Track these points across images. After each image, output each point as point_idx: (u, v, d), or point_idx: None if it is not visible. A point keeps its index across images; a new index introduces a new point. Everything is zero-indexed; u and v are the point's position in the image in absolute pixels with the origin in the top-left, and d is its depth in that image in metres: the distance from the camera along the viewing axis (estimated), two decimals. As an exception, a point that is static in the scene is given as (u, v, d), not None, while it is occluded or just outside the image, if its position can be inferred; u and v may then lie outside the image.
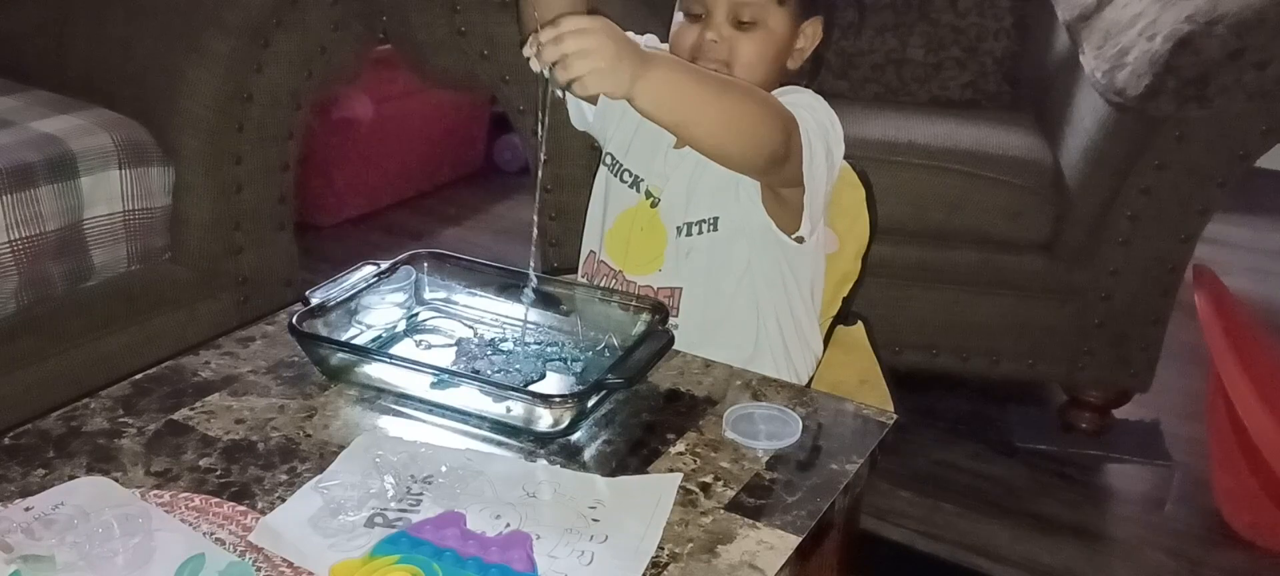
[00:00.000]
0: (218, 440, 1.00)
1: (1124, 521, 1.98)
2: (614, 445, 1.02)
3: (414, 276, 1.24)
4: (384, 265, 1.22)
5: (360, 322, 1.18)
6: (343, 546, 0.86)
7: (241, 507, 0.90)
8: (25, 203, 1.61)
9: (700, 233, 1.30)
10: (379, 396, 1.08)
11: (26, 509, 0.89)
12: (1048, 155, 2.02)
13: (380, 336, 1.19)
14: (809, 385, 1.35)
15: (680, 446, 1.02)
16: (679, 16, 1.31)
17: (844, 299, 1.44)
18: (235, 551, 0.85)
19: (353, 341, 1.15)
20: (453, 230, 3.10)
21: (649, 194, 1.33)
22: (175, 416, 1.04)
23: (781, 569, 0.87)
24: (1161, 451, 2.12)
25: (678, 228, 1.31)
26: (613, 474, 0.98)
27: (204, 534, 0.87)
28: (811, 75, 1.37)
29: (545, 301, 1.19)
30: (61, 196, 1.66)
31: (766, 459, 1.01)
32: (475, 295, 1.24)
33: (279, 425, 1.03)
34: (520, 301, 1.17)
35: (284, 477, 0.95)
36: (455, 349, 1.17)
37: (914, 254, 2.00)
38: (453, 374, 1.09)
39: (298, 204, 2.04)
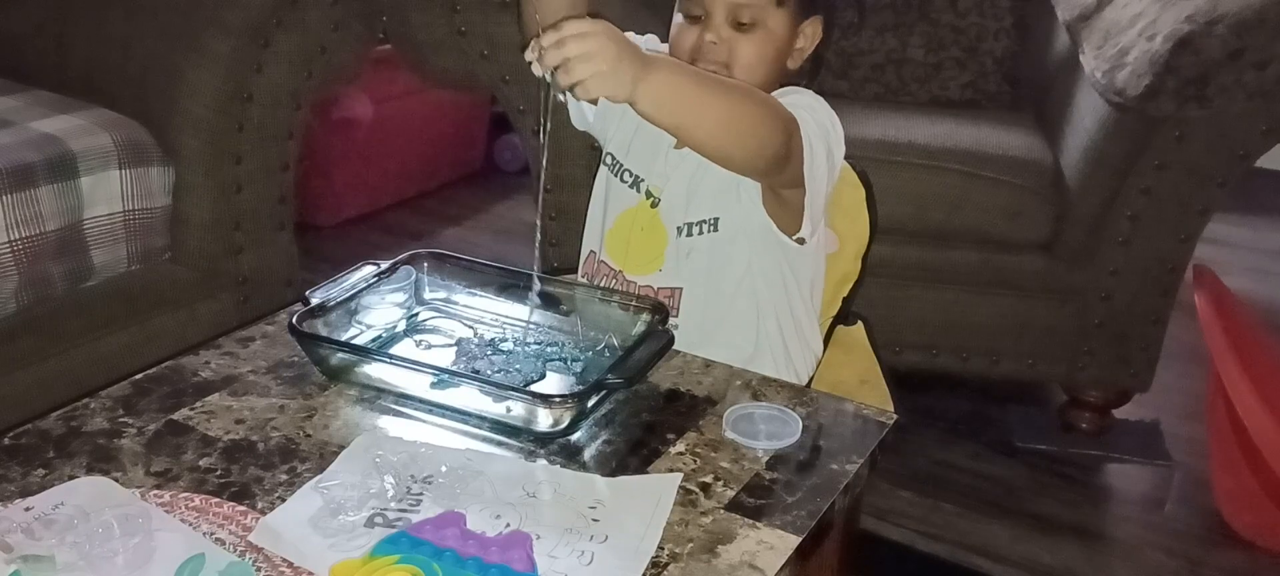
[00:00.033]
0: (218, 440, 1.00)
1: (1124, 521, 1.98)
2: (614, 445, 1.02)
3: (414, 276, 1.24)
4: (384, 265, 1.22)
5: (360, 322, 1.18)
6: (343, 546, 0.86)
7: (241, 507, 0.90)
8: (25, 203, 1.61)
9: (701, 233, 1.30)
10: (379, 396, 1.08)
11: (26, 509, 0.89)
12: (1048, 155, 2.02)
13: (380, 336, 1.19)
14: (809, 385, 1.35)
15: (680, 446, 1.02)
16: (678, 18, 1.31)
17: (844, 299, 1.44)
18: (235, 551, 0.85)
19: (353, 341, 1.15)
20: (453, 230, 3.10)
21: (649, 194, 1.33)
22: (175, 416, 1.04)
23: (781, 569, 0.87)
24: (1161, 451, 2.12)
25: (678, 228, 1.31)
26: (613, 474, 0.98)
27: (204, 534, 0.87)
28: (812, 75, 1.37)
29: (545, 301, 1.19)
30: (61, 196, 1.66)
31: (766, 459, 1.01)
32: (475, 295, 1.24)
33: (279, 425, 1.03)
34: (520, 301, 1.17)
35: (284, 477, 0.95)
36: (455, 349, 1.17)
37: (914, 254, 2.00)
38: (453, 374, 1.09)
39: (298, 204, 2.04)
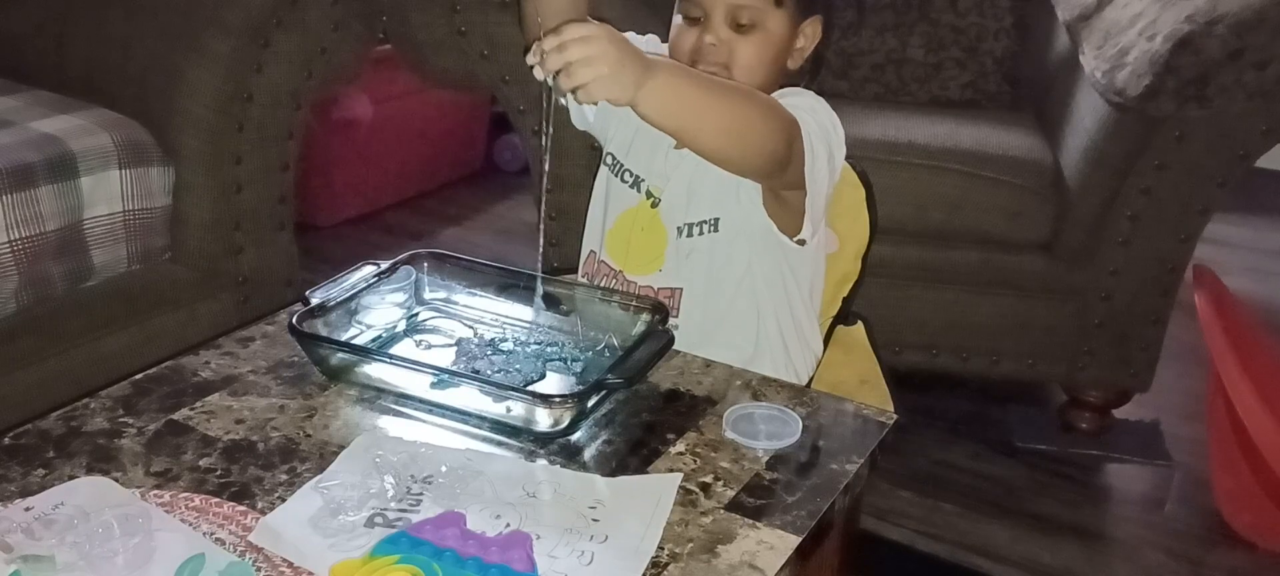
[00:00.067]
0: (218, 440, 1.00)
1: (1124, 521, 1.98)
2: (614, 445, 1.02)
3: (414, 276, 1.24)
4: (384, 265, 1.22)
5: (360, 322, 1.18)
6: (343, 546, 0.86)
7: (241, 507, 0.90)
8: (25, 203, 1.61)
9: (701, 233, 1.30)
10: (379, 396, 1.08)
11: (26, 509, 0.89)
12: (1048, 155, 2.02)
13: (380, 336, 1.19)
14: (809, 385, 1.35)
15: (680, 446, 1.02)
16: (678, 19, 1.31)
17: (844, 299, 1.44)
18: (235, 551, 0.85)
19: (353, 341, 1.15)
20: (453, 230, 3.10)
21: (650, 194, 1.33)
22: (175, 416, 1.04)
23: (781, 569, 0.87)
24: (1161, 451, 2.12)
25: (678, 228, 1.31)
26: (613, 474, 0.98)
27: (204, 534, 0.87)
28: (812, 75, 1.37)
29: (546, 301, 1.19)
30: (61, 196, 1.66)
31: (766, 459, 1.01)
32: (475, 295, 1.24)
33: (279, 425, 1.03)
34: (520, 301, 1.17)
35: (284, 477, 0.95)
36: (455, 349, 1.17)
37: (914, 254, 2.00)
38: (453, 374, 1.09)
39: (298, 204, 2.04)
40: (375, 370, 1.09)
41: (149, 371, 1.11)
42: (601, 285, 1.35)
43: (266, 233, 1.95)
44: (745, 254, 1.30)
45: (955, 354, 2.07)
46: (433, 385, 1.07)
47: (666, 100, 1.08)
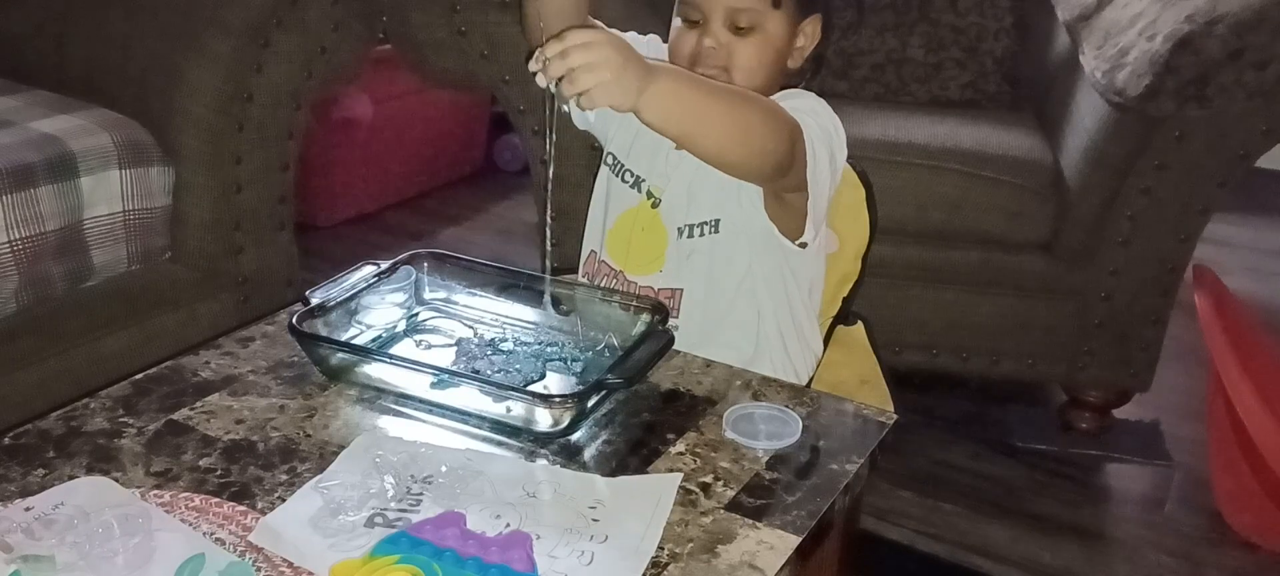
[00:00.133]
0: (218, 440, 1.00)
1: (1124, 521, 1.98)
2: (614, 445, 1.02)
3: (414, 276, 1.24)
4: (384, 265, 1.22)
5: (360, 322, 1.18)
6: (343, 546, 0.86)
7: (241, 507, 0.90)
8: (25, 203, 1.61)
9: (701, 234, 1.30)
10: (379, 396, 1.08)
11: (26, 509, 0.89)
12: (1048, 155, 2.02)
13: (380, 336, 1.19)
14: (809, 385, 1.35)
15: (680, 446, 1.02)
16: (677, 22, 1.30)
17: (844, 299, 1.44)
18: (235, 551, 0.85)
19: (353, 341, 1.15)
20: (453, 230, 3.10)
21: (650, 194, 1.33)
22: (175, 416, 1.04)
23: (781, 569, 0.87)
24: (1161, 451, 2.12)
25: (679, 229, 1.31)
26: (613, 474, 0.98)
27: (204, 534, 0.87)
28: (813, 73, 1.37)
29: (546, 301, 1.19)
30: (61, 196, 1.66)
31: (766, 459, 1.01)
32: (475, 295, 1.24)
33: (279, 425, 1.03)
34: (520, 302, 1.17)
35: (284, 477, 0.95)
36: (455, 349, 1.17)
37: (914, 254, 2.00)
38: (453, 374, 1.09)
39: (298, 204, 2.04)
40: (375, 370, 1.09)
41: (149, 371, 1.11)
42: (602, 285, 1.35)
43: (266, 233, 1.95)
44: (746, 255, 1.30)
45: (955, 354, 2.07)
46: (433, 385, 1.07)
47: (669, 105, 1.08)
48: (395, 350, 1.17)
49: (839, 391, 1.25)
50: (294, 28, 1.87)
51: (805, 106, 1.24)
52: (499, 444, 1.02)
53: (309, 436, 1.01)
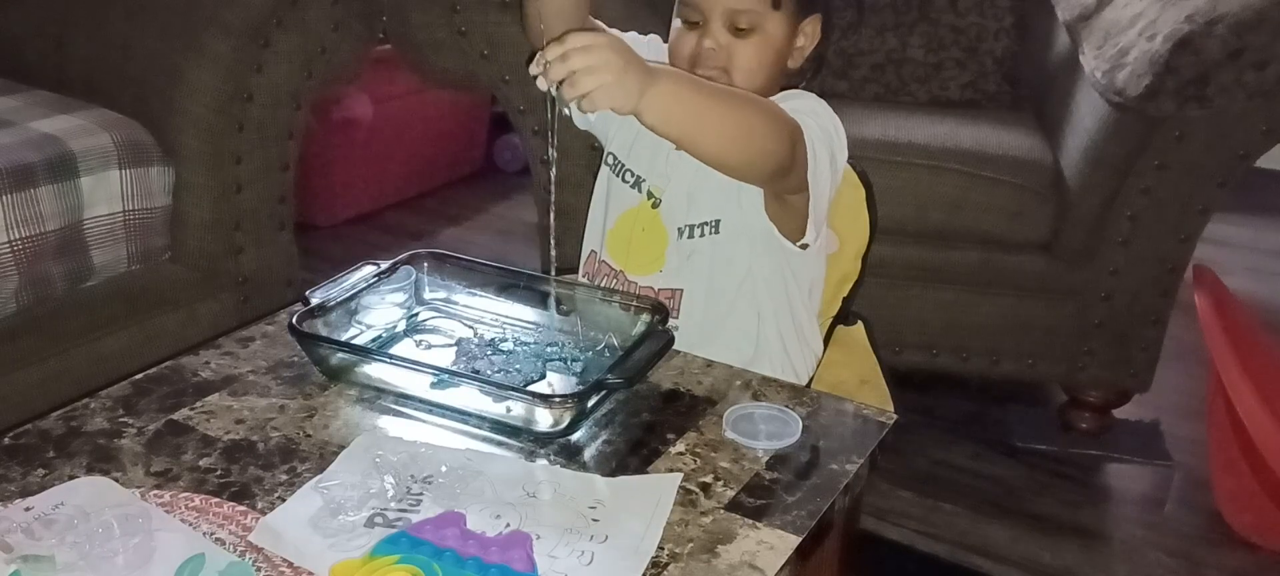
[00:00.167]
0: (218, 440, 1.00)
1: (1124, 521, 1.98)
2: (614, 445, 1.02)
3: (414, 276, 1.24)
4: (384, 265, 1.22)
5: (360, 322, 1.18)
6: (343, 546, 0.86)
7: (241, 507, 0.90)
8: (25, 203, 1.61)
9: (702, 235, 1.30)
10: (379, 396, 1.08)
11: (26, 509, 0.89)
12: (1048, 155, 2.02)
13: (380, 336, 1.19)
14: (809, 385, 1.35)
15: (680, 446, 1.02)
16: (677, 23, 1.30)
17: (844, 299, 1.44)
18: (235, 551, 0.85)
19: (353, 341, 1.15)
20: (453, 230, 3.10)
21: (651, 195, 1.33)
22: (175, 416, 1.04)
23: (781, 569, 0.87)
24: (1161, 451, 2.12)
25: (679, 229, 1.31)
26: (613, 474, 0.98)
27: (204, 534, 0.87)
28: (814, 73, 1.37)
29: (546, 301, 1.19)
30: (61, 196, 1.66)
31: (766, 459, 1.01)
32: (475, 295, 1.24)
33: (279, 425, 1.03)
34: (520, 302, 1.17)
35: (284, 477, 0.95)
36: (455, 349, 1.17)
37: (914, 254, 2.00)
38: (453, 374, 1.09)
39: (298, 204, 2.04)
40: (375, 370, 1.09)
41: (149, 371, 1.11)
42: (602, 285, 1.35)
43: (266, 233, 1.96)
44: (746, 256, 1.30)
45: (955, 354, 2.07)
46: (433, 385, 1.07)
47: (670, 108, 1.08)
48: (395, 350, 1.17)
49: (839, 391, 1.25)
50: (294, 28, 1.87)
51: (806, 107, 1.24)
52: (499, 444, 1.02)
53: (309, 436, 1.01)
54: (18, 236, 1.61)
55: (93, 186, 1.69)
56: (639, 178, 1.35)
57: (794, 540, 0.90)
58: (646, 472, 0.98)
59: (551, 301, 1.18)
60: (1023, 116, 2.22)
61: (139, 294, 1.79)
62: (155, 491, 0.92)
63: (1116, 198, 1.92)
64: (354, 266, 1.21)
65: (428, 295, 1.25)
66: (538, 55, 1.04)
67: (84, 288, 1.74)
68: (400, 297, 1.23)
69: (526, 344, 1.17)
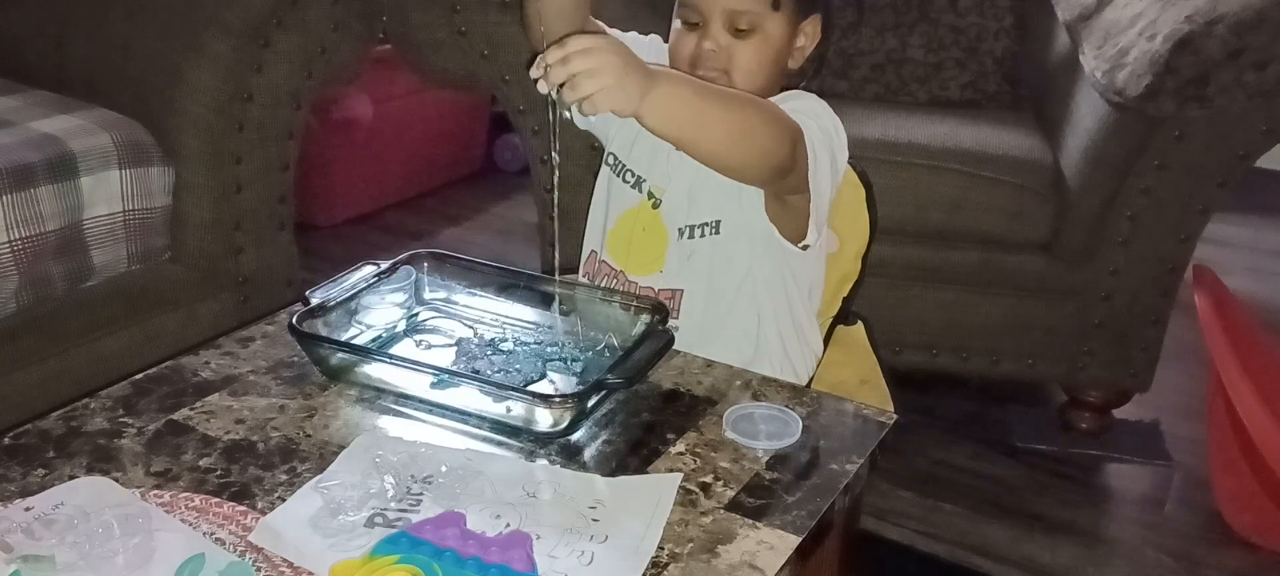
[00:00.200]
0: (218, 440, 1.00)
1: (1124, 521, 1.98)
2: (614, 445, 1.02)
3: (414, 276, 1.24)
4: (384, 265, 1.22)
5: (360, 322, 1.18)
6: (343, 546, 0.86)
7: (241, 507, 0.90)
8: (25, 203, 1.61)
9: (702, 235, 1.30)
10: (379, 396, 1.08)
11: (26, 509, 0.89)
12: (1048, 155, 2.02)
13: (380, 336, 1.19)
14: (809, 385, 1.35)
15: (680, 446, 1.02)
16: (677, 24, 1.30)
17: (844, 299, 1.44)
18: (235, 551, 0.85)
19: (353, 341, 1.15)
20: (453, 230, 3.10)
21: (651, 195, 1.33)
22: (175, 416, 1.04)
23: (781, 569, 0.87)
24: (1161, 451, 2.12)
25: (679, 230, 1.31)
26: (613, 474, 0.98)
27: (204, 534, 0.87)
28: (814, 73, 1.37)
29: (546, 301, 1.19)
30: (61, 196, 1.66)
31: (766, 459, 1.01)
32: (475, 295, 1.24)
33: (279, 425, 1.03)
34: (520, 302, 1.17)
35: (284, 477, 0.95)
36: (455, 349, 1.17)
37: (914, 254, 2.00)
38: (453, 374, 1.09)
39: (298, 204, 2.04)
40: (375, 370, 1.09)
41: (149, 371, 1.11)
42: (602, 285, 1.35)
43: (266, 233, 1.96)
44: (746, 256, 1.30)
45: (955, 354, 2.07)
46: (433, 385, 1.07)
47: (670, 110, 1.08)
48: (395, 350, 1.17)
49: (839, 391, 1.25)
50: (294, 28, 1.87)
51: (806, 108, 1.24)
52: (499, 444, 1.02)
53: (309, 436, 1.01)
54: (18, 236, 1.61)
55: (93, 186, 1.69)
56: (639, 178, 1.35)
57: (794, 540, 0.90)
58: (646, 472, 0.98)
59: (555, 304, 1.18)
60: (1023, 116, 2.22)
61: (139, 294, 1.79)
62: (155, 491, 0.92)
63: (1116, 198, 1.92)
64: (354, 266, 1.21)
65: (428, 295, 1.25)
66: (538, 58, 1.04)
67: (84, 288, 1.74)
68: (400, 298, 1.23)
69: (526, 344, 1.17)
